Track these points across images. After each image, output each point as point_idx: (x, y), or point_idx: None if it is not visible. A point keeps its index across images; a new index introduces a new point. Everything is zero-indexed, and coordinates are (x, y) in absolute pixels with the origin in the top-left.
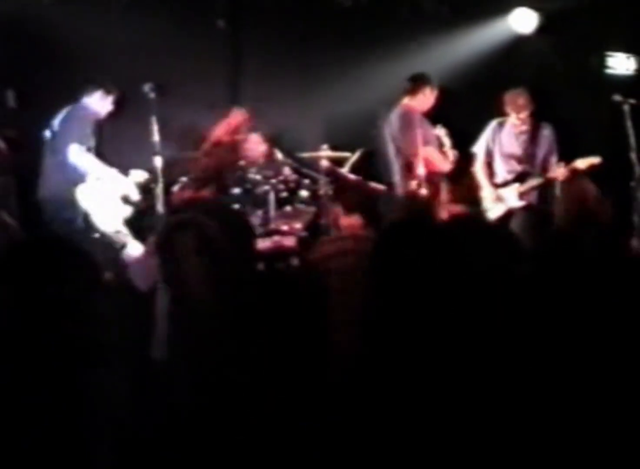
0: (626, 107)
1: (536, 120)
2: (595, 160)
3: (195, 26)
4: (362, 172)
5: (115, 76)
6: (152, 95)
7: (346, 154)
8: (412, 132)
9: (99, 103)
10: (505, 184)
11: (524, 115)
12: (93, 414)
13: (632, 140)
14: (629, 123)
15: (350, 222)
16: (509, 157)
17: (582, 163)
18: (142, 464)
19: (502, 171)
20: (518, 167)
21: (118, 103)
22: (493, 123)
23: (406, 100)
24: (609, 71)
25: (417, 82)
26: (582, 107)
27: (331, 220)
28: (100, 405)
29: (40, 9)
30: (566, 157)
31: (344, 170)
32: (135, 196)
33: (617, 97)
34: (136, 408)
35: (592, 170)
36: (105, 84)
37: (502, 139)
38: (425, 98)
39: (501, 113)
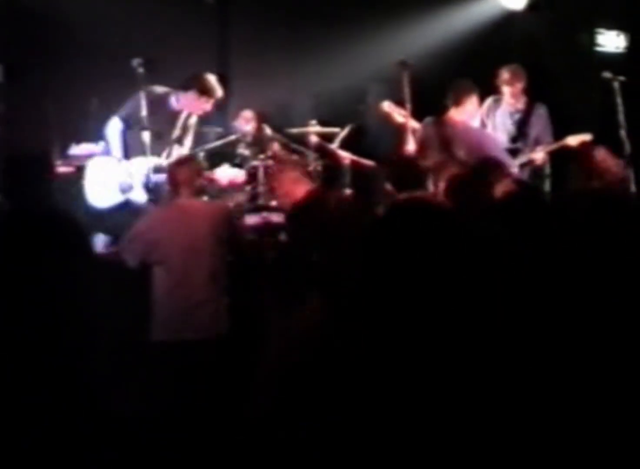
0: (616, 85)
1: (531, 100)
2: (586, 136)
3: (183, 1)
4: (351, 148)
5: (104, 52)
6: (140, 70)
7: (335, 130)
8: None
9: (191, 103)
10: None
11: (517, 89)
12: (81, 401)
13: (622, 118)
14: (618, 101)
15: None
16: (502, 134)
17: (573, 140)
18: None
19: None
20: (510, 145)
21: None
22: (489, 100)
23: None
24: (598, 48)
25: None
26: (572, 85)
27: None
28: (89, 392)
29: None
30: (556, 135)
31: (333, 146)
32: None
33: (607, 74)
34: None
35: (583, 147)
36: (203, 85)
37: (497, 116)
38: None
39: (496, 90)
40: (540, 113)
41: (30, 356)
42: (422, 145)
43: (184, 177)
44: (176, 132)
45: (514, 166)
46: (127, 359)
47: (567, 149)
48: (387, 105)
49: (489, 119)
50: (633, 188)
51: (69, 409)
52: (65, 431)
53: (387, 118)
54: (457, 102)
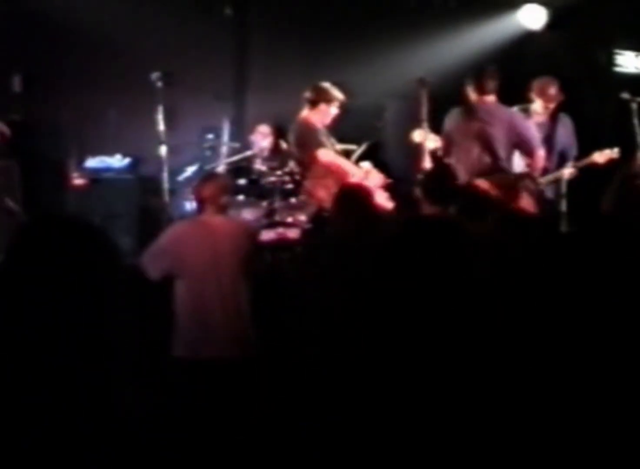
0: (634, 105)
1: (555, 112)
2: (613, 153)
3: (202, 14)
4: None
5: (123, 64)
6: (159, 83)
7: (352, 147)
8: None
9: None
10: None
11: (552, 105)
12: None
13: (639, 138)
14: (636, 121)
15: None
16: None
17: (600, 157)
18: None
19: (520, 162)
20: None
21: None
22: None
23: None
24: (617, 69)
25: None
26: (590, 105)
27: None
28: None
29: None
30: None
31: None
32: None
33: (625, 95)
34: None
35: (610, 163)
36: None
37: None
38: None
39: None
40: (566, 123)
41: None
42: (447, 140)
43: (209, 193)
44: None
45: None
46: (147, 373)
47: (594, 166)
48: (417, 135)
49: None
50: None
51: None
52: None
53: (418, 148)
54: (483, 89)
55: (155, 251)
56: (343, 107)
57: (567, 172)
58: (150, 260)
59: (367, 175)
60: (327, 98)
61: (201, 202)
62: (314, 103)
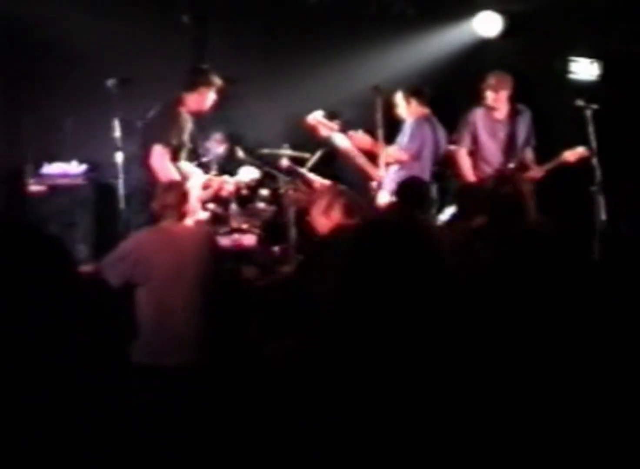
0: (589, 112)
1: (513, 107)
2: (583, 151)
3: (160, 21)
4: (321, 172)
5: (80, 70)
6: (115, 90)
7: (306, 155)
8: None
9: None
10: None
11: (505, 94)
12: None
13: (594, 145)
14: (591, 128)
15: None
16: (493, 144)
17: (571, 156)
18: None
19: (486, 165)
20: (500, 159)
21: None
22: (478, 111)
23: None
24: (572, 76)
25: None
26: (545, 112)
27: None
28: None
29: (7, 2)
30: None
31: (304, 170)
32: None
33: (580, 102)
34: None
35: (581, 161)
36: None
37: (487, 127)
38: None
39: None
40: (524, 114)
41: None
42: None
43: (171, 201)
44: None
45: None
46: (108, 379)
47: (566, 165)
48: (312, 118)
49: (477, 129)
50: (604, 215)
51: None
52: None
53: (312, 131)
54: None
55: (117, 258)
56: (221, 94)
57: (537, 174)
58: (112, 266)
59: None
60: (207, 82)
61: (163, 209)
62: (192, 86)
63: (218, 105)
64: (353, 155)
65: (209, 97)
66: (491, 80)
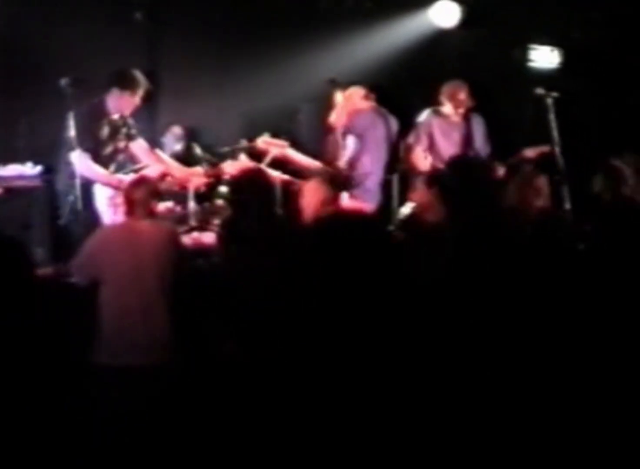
0: (549, 101)
1: (467, 113)
2: (544, 147)
3: (112, 19)
4: (281, 167)
5: (33, 70)
6: (69, 89)
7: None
8: None
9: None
10: None
11: (462, 110)
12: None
13: (555, 134)
14: (552, 117)
15: None
16: (450, 146)
17: (531, 152)
18: None
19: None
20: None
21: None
22: (428, 112)
23: None
24: (532, 64)
25: None
26: (505, 101)
27: None
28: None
29: None
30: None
31: (263, 165)
32: None
33: (540, 91)
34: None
35: (542, 157)
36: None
37: (441, 128)
38: None
39: (434, 103)
40: (479, 123)
41: None
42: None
43: (139, 197)
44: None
45: None
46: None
47: (526, 161)
48: (261, 142)
49: (433, 131)
50: (567, 205)
51: None
52: None
53: (264, 155)
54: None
55: (83, 257)
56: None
57: (499, 172)
58: (78, 265)
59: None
60: (134, 86)
61: (131, 206)
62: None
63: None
64: (309, 164)
65: (134, 101)
66: (446, 89)
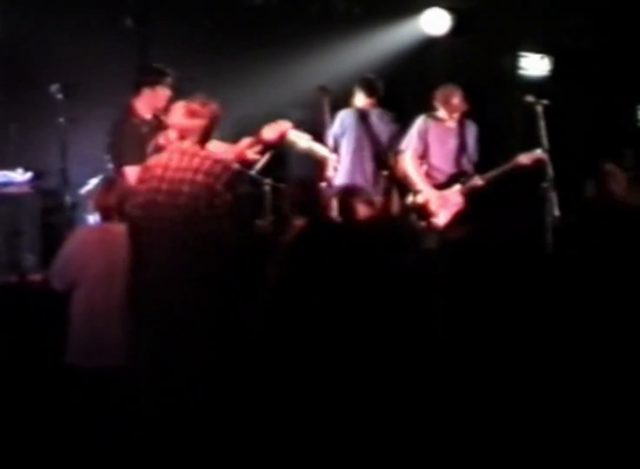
0: (539, 108)
1: (462, 118)
2: (540, 154)
3: (102, 25)
4: (271, 174)
5: (23, 76)
6: (59, 96)
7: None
8: None
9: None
10: (446, 185)
11: (456, 114)
12: None
13: (545, 141)
14: (541, 124)
15: None
16: (444, 153)
17: (526, 158)
18: None
19: (437, 171)
20: (453, 165)
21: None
22: (422, 118)
23: None
24: (522, 72)
25: None
26: (495, 108)
27: None
28: None
29: None
30: (482, 158)
31: (253, 172)
32: None
33: (530, 98)
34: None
35: (537, 164)
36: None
37: (436, 134)
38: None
39: (426, 110)
40: (472, 129)
41: None
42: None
43: (113, 202)
44: None
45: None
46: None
47: (521, 168)
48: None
49: (428, 137)
50: (557, 211)
51: None
52: None
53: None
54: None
55: (60, 259)
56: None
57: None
58: (57, 268)
59: None
60: (156, 80)
61: (106, 210)
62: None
63: None
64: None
65: (162, 94)
66: (440, 94)
